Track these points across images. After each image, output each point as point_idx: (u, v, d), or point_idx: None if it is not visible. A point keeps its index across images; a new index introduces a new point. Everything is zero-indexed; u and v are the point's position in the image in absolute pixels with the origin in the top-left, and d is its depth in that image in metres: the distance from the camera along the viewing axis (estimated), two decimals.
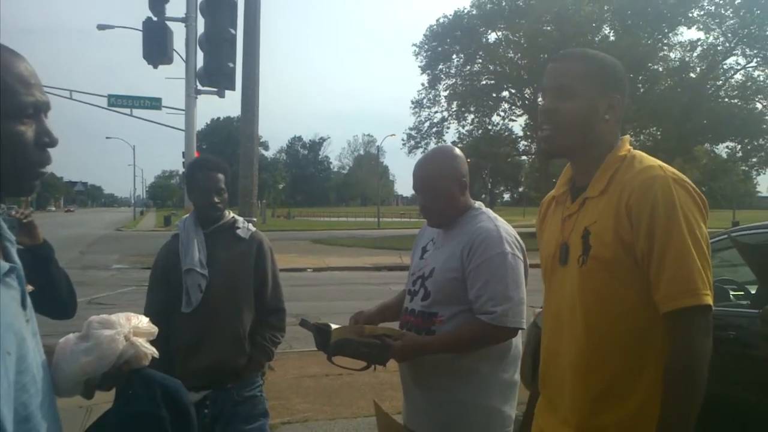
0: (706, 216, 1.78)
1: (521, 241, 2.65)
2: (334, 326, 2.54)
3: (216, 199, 3.22)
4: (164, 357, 3.13)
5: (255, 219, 8.24)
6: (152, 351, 1.61)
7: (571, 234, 1.89)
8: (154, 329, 1.67)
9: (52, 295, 2.92)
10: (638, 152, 1.89)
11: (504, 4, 42.29)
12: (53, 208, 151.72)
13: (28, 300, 1.30)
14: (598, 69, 1.89)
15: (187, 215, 3.39)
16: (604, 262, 1.77)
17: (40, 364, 1.30)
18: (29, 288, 1.33)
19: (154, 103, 16.95)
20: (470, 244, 2.54)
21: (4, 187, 1.21)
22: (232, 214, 3.38)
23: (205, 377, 3.14)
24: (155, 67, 8.82)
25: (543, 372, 2.04)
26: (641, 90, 38.58)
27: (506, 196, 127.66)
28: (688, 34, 67.12)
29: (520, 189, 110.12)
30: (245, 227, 3.35)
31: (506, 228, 2.63)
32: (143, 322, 1.65)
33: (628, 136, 1.95)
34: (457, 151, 2.78)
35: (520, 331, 2.57)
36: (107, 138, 70.77)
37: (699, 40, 40.50)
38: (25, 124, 1.20)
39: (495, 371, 2.57)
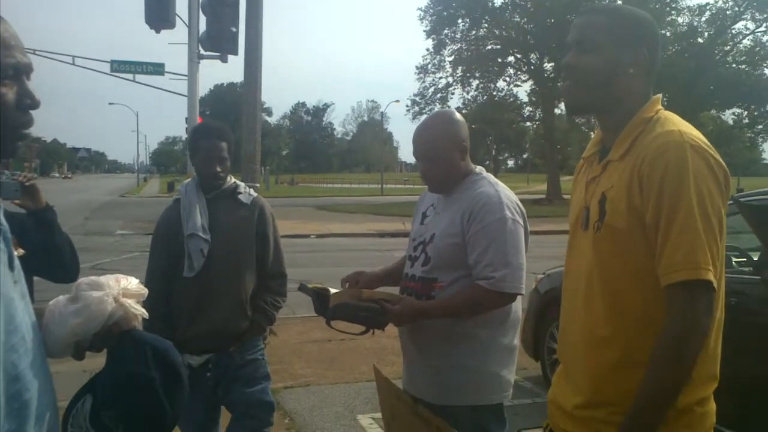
0: (725, 189, 1.69)
1: (522, 207, 2.64)
2: (332, 290, 2.54)
3: (218, 168, 3.21)
4: (167, 321, 3.19)
5: (258, 185, 8.22)
6: (142, 312, 1.62)
7: (591, 198, 1.83)
8: (144, 290, 1.67)
9: (55, 258, 2.96)
10: (666, 114, 1.80)
11: None
12: (57, 174, 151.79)
13: (16, 261, 1.30)
14: (622, 21, 1.80)
15: (189, 180, 3.40)
16: (616, 230, 1.71)
17: (30, 325, 1.31)
18: (19, 251, 1.33)
19: (157, 69, 16.87)
20: (470, 209, 2.53)
21: None
22: (233, 180, 3.38)
23: (207, 341, 3.19)
24: (157, 31, 8.75)
25: (561, 339, 2.01)
26: None
27: (510, 163, 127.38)
28: None
29: (525, 155, 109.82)
30: (247, 192, 3.35)
31: (507, 193, 2.61)
32: (132, 283, 1.65)
33: (659, 96, 1.85)
34: (457, 115, 2.75)
35: (519, 297, 2.57)
36: (110, 104, 71.12)
37: (707, 4, 40.10)
38: (6, 86, 1.19)
39: (494, 336, 2.57)
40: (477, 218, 2.51)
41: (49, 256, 2.95)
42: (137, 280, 1.68)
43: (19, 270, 1.31)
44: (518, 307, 2.65)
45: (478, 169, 2.73)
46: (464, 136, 2.67)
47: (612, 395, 1.74)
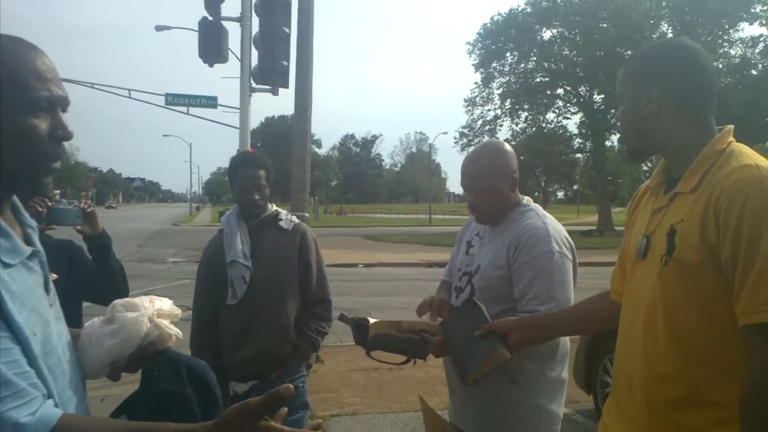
0: None
1: (571, 241, 2.59)
2: (372, 320, 2.50)
3: (256, 196, 3.27)
4: (215, 349, 3.25)
5: (307, 215, 8.32)
6: (176, 332, 1.64)
7: (656, 229, 1.79)
8: (177, 311, 1.69)
9: (109, 281, 3.06)
10: (739, 146, 1.75)
11: (559, 1, 41.60)
12: (114, 203, 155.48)
13: (51, 285, 1.34)
14: (635, 65, 1.87)
15: (231, 210, 3.46)
16: (687, 265, 1.65)
17: (66, 346, 1.34)
18: (53, 276, 1.37)
19: (210, 102, 17.18)
20: (517, 241, 2.50)
21: (16, 181, 1.24)
22: (274, 207, 3.42)
23: (251, 367, 3.22)
24: (211, 66, 8.96)
25: (616, 370, 1.94)
26: None
27: (560, 194, 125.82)
28: (749, 30, 65.12)
29: (575, 187, 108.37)
30: (288, 219, 3.39)
31: (555, 226, 2.57)
32: (166, 304, 1.67)
33: (731, 127, 1.82)
34: (507, 146, 2.70)
35: None
36: (164, 135, 72.53)
37: (761, 35, 39.33)
38: (39, 117, 1.22)
39: (542, 369, 2.53)
40: (523, 250, 2.47)
41: (104, 279, 3.05)
42: (170, 301, 1.70)
43: (54, 293, 1.35)
44: (566, 339, 2.61)
45: (526, 200, 2.70)
46: (514, 167, 2.64)
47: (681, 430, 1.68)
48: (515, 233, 2.53)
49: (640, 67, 1.85)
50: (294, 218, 3.45)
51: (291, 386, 1.15)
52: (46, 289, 1.31)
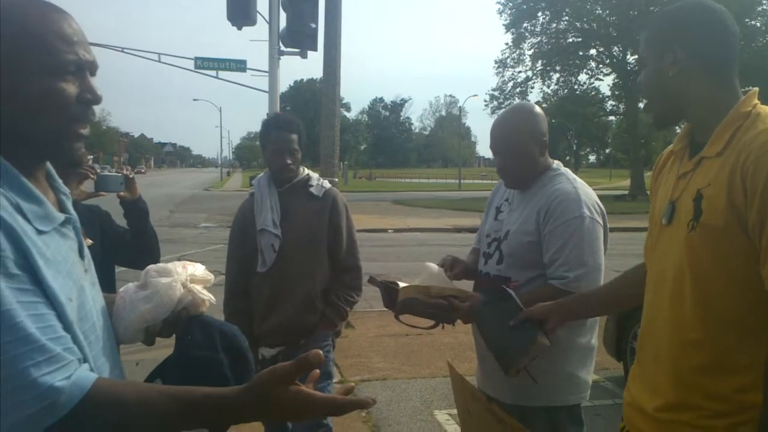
0: None
1: (602, 206, 2.55)
2: (401, 284, 2.48)
3: (288, 160, 3.22)
4: (247, 316, 3.26)
5: (336, 180, 8.32)
6: (209, 297, 1.65)
7: (682, 194, 1.77)
8: (210, 276, 1.70)
9: (145, 245, 3.14)
10: (765, 108, 1.72)
11: None
12: (143, 168, 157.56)
13: (86, 250, 1.34)
14: (657, 27, 1.83)
15: (262, 174, 3.41)
16: (714, 230, 1.63)
17: (100, 312, 1.35)
18: (88, 242, 1.37)
19: (239, 65, 17.18)
20: (547, 206, 2.47)
21: (46, 146, 1.24)
22: (306, 171, 3.38)
23: (278, 335, 3.24)
24: (239, 28, 8.92)
25: (642, 338, 1.94)
26: None
27: (592, 158, 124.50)
28: None
29: (607, 150, 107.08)
30: (319, 184, 3.34)
31: (586, 190, 2.53)
32: (199, 269, 1.68)
33: (755, 89, 1.77)
34: (537, 108, 2.66)
35: None
36: (194, 100, 73.00)
37: None
38: (67, 81, 1.21)
39: (571, 336, 2.51)
40: (554, 216, 2.44)
41: (140, 243, 3.12)
42: (203, 267, 1.71)
43: (89, 259, 1.36)
44: None
45: (556, 164, 2.65)
46: (544, 130, 2.59)
47: (698, 399, 1.69)
48: (545, 198, 2.50)
49: (662, 29, 1.81)
50: (326, 183, 3.40)
51: (320, 352, 1.14)
52: (81, 255, 1.32)
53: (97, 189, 3.03)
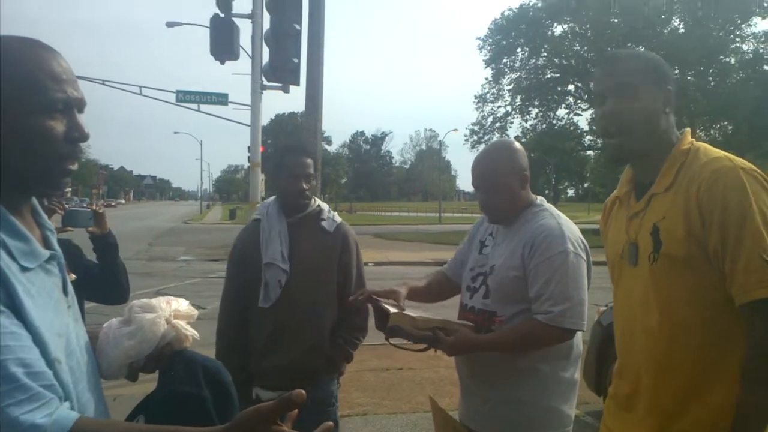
0: None
1: (585, 241, 2.58)
2: (392, 310, 2.48)
3: (305, 185, 3.04)
4: (242, 351, 3.09)
5: None
6: (193, 333, 1.65)
7: (639, 232, 1.85)
8: (194, 312, 1.70)
9: (115, 279, 3.08)
10: (702, 144, 1.85)
11: None
12: (123, 201, 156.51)
13: (70, 287, 1.34)
14: (650, 63, 1.87)
15: (271, 200, 3.21)
16: (676, 259, 1.73)
17: (84, 348, 1.35)
18: (71, 276, 1.37)
19: (221, 99, 17.27)
20: (532, 241, 2.49)
21: (34, 183, 1.25)
22: (318, 202, 3.21)
23: (280, 377, 2.98)
24: (222, 63, 8.99)
25: (618, 371, 2.01)
26: (712, 84, 37.36)
27: (570, 192, 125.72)
28: (762, 24, 64.69)
29: (585, 185, 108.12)
30: (330, 218, 3.17)
31: (569, 226, 2.56)
32: (183, 305, 1.68)
33: (689, 129, 1.91)
34: (517, 144, 2.71)
35: (578, 333, 2.52)
36: (175, 133, 72.93)
37: None
38: (55, 119, 1.22)
39: (555, 370, 2.52)
40: (538, 251, 2.46)
41: (111, 277, 3.07)
42: (187, 302, 1.71)
43: (72, 295, 1.36)
44: (579, 341, 2.60)
45: (539, 200, 2.69)
46: (524, 164, 2.63)
47: (682, 423, 1.75)
48: (530, 233, 2.52)
49: (653, 66, 1.86)
50: (337, 217, 3.22)
51: (303, 392, 1.15)
52: (65, 292, 1.32)
53: (65, 224, 2.94)
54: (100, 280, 3.06)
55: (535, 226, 2.54)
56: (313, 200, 3.18)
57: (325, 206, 3.23)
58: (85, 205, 3.42)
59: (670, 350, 1.75)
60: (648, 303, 1.80)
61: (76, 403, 1.20)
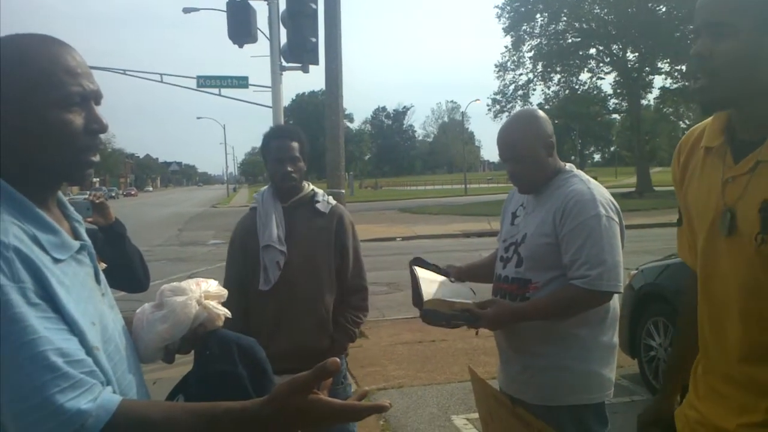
0: None
1: (617, 204, 2.57)
2: (426, 294, 2.52)
3: (290, 168, 3.09)
4: (244, 334, 3.15)
5: (343, 191, 8.35)
6: (224, 312, 1.67)
7: (738, 202, 1.58)
8: (224, 291, 1.72)
9: (128, 269, 3.11)
10: None
11: None
12: (150, 188, 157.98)
13: (101, 275, 1.37)
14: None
15: (265, 188, 3.31)
16: None
17: (121, 332, 1.38)
18: (102, 265, 1.40)
19: (242, 82, 17.25)
20: (563, 207, 2.48)
21: (58, 176, 1.28)
22: (311, 187, 3.27)
23: (287, 360, 2.87)
24: (240, 46, 8.98)
25: (710, 354, 1.77)
26: None
27: (597, 157, 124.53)
28: None
29: (612, 149, 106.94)
30: (325, 201, 3.24)
31: (600, 190, 2.55)
32: (212, 285, 1.70)
33: None
34: (539, 112, 2.70)
35: (616, 294, 2.52)
36: (198, 118, 72.91)
37: None
38: (73, 112, 1.24)
39: (594, 335, 2.53)
40: (570, 217, 2.46)
41: (122, 267, 3.09)
42: (216, 282, 1.74)
43: (105, 283, 1.39)
44: (617, 304, 2.59)
45: (568, 166, 2.68)
46: (549, 131, 2.62)
47: None
48: (561, 200, 2.52)
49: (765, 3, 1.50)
50: (331, 199, 3.30)
51: (337, 360, 1.17)
52: (97, 281, 1.35)
53: None
54: (116, 269, 3.10)
55: (565, 192, 2.53)
56: (306, 185, 3.24)
57: (319, 191, 3.29)
58: (85, 198, 3.47)
59: None
60: (753, 287, 1.56)
61: (117, 387, 1.23)
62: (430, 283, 2.64)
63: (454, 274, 2.84)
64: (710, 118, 1.75)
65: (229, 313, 1.70)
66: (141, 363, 1.52)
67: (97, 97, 1.30)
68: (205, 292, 1.67)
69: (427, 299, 2.50)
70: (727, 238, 1.61)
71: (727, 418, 1.67)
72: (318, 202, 3.22)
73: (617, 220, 2.52)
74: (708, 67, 1.55)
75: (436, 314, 2.49)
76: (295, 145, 3.14)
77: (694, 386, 1.84)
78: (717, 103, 1.63)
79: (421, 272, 2.68)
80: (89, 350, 1.16)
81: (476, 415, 5.05)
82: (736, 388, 1.66)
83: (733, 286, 1.61)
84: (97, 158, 1.31)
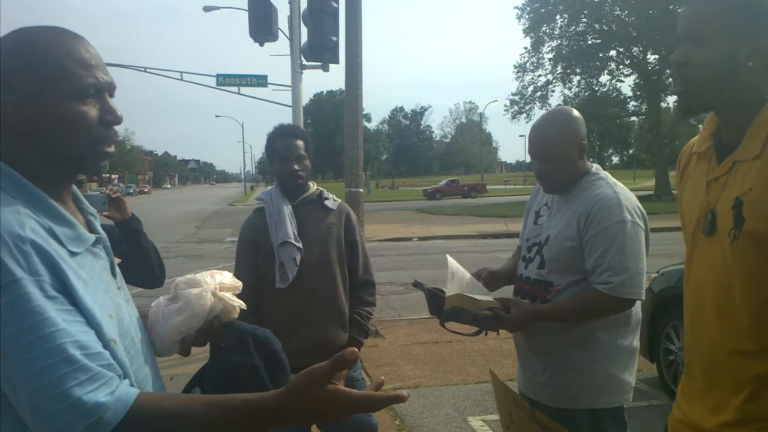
0: None
1: (642, 208, 2.53)
2: (448, 292, 2.50)
3: (296, 166, 3.12)
4: None
5: (361, 190, 8.35)
6: (239, 303, 1.66)
7: (717, 202, 1.65)
8: (238, 283, 1.71)
9: (144, 264, 3.12)
10: None
11: None
12: (168, 186, 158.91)
13: (117, 269, 1.38)
14: (737, 8, 1.59)
15: (271, 188, 3.32)
16: (759, 237, 1.53)
17: (137, 326, 1.39)
18: (117, 260, 1.41)
19: (261, 81, 17.30)
20: (588, 211, 2.46)
21: (73, 168, 1.29)
22: (316, 186, 3.31)
23: (308, 356, 2.81)
24: (261, 44, 8.99)
25: (690, 353, 1.83)
26: None
27: (615, 159, 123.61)
28: None
29: (630, 151, 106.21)
30: (332, 198, 3.30)
31: (626, 194, 2.51)
32: (227, 277, 1.69)
33: None
34: (576, 112, 2.63)
35: (638, 301, 2.49)
36: (217, 116, 73.34)
37: None
38: (88, 104, 1.25)
39: (614, 338, 2.51)
40: (595, 221, 2.43)
41: (138, 262, 3.09)
42: (230, 274, 1.73)
43: (120, 277, 1.40)
44: (638, 309, 2.57)
45: (595, 168, 2.64)
46: (583, 133, 2.59)
47: (765, 411, 1.60)
48: (586, 203, 2.49)
49: (742, 11, 1.59)
50: (336, 198, 3.35)
51: (356, 350, 1.15)
52: (113, 274, 1.35)
53: None
54: (130, 264, 3.11)
55: (591, 196, 2.50)
56: (311, 184, 3.28)
57: (324, 190, 3.35)
58: (101, 192, 3.49)
59: (753, 333, 1.59)
60: (729, 283, 1.62)
61: (134, 380, 1.23)
62: (459, 279, 2.61)
63: (485, 278, 2.79)
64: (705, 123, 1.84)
65: (244, 305, 1.70)
66: (157, 356, 1.52)
67: (111, 88, 1.31)
68: (219, 284, 1.67)
69: (448, 296, 2.47)
70: (707, 238, 1.69)
71: (705, 417, 1.73)
72: (326, 199, 3.27)
73: (642, 225, 2.49)
74: (685, 74, 1.65)
75: (458, 313, 2.46)
76: (300, 143, 3.18)
77: (681, 387, 1.91)
78: (691, 109, 1.71)
79: (451, 264, 2.65)
80: (106, 343, 1.17)
81: (492, 417, 5.06)
82: (713, 385, 1.72)
83: (710, 283, 1.69)
84: (112, 149, 1.32)
